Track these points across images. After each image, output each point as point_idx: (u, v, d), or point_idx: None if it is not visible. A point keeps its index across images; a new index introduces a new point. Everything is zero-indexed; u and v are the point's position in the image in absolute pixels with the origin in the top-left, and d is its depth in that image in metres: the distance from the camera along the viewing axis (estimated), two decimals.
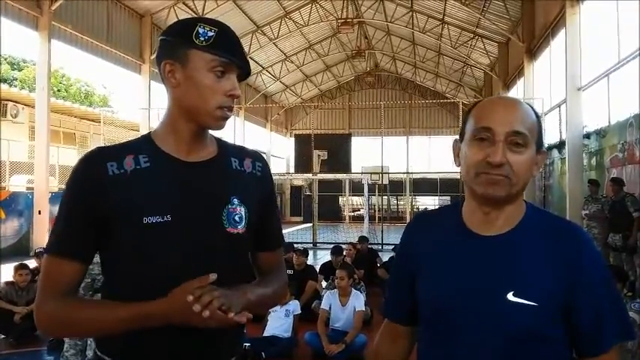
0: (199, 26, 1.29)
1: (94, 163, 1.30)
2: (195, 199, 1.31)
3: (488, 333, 1.17)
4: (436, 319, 1.26)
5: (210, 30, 1.28)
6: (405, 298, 1.36)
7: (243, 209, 1.37)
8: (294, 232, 19.66)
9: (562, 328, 1.19)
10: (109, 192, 1.27)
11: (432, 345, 1.28)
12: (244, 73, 1.35)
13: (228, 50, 1.28)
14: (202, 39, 1.27)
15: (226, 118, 1.32)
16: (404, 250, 1.39)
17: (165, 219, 1.27)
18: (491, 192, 1.18)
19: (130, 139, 1.42)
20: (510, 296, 1.16)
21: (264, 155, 1.34)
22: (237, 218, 1.35)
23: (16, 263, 6.38)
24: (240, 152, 1.46)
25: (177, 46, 1.30)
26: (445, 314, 1.23)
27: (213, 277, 1.19)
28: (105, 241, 1.30)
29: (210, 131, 1.40)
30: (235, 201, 1.36)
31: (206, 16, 17.34)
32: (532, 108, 1.25)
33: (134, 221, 1.26)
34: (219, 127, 1.34)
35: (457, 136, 1.30)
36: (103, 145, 1.42)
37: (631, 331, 1.24)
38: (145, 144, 1.35)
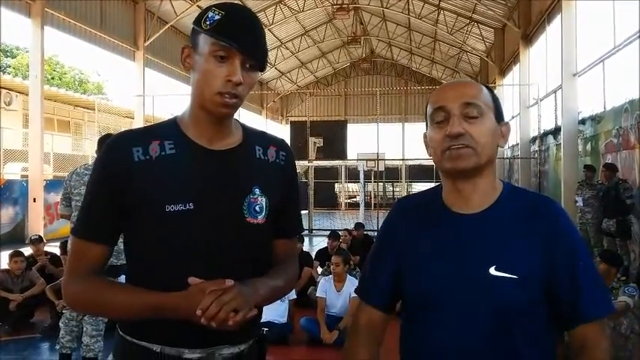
0: (210, 10, 1.28)
1: (120, 147, 1.31)
2: (218, 188, 1.31)
3: (474, 309, 1.20)
4: (422, 299, 1.27)
5: (218, 14, 1.27)
6: (386, 284, 1.36)
7: (264, 199, 1.36)
8: None
9: (546, 304, 1.22)
10: (133, 178, 1.28)
11: (418, 326, 1.29)
12: (252, 59, 1.28)
13: (229, 35, 1.24)
14: (208, 23, 1.26)
15: (227, 105, 1.28)
16: (387, 235, 1.40)
17: (188, 207, 1.27)
18: (458, 164, 1.23)
19: (124, 127, 1.41)
20: (492, 270, 1.19)
21: None
22: (257, 208, 1.35)
23: (11, 251, 6.36)
24: (265, 140, 1.45)
25: (194, 32, 1.31)
26: (431, 294, 1.25)
27: (229, 282, 1.19)
28: (128, 226, 1.32)
29: (236, 117, 1.40)
30: (257, 191, 1.35)
31: (199, 1, 17.29)
32: (485, 86, 1.31)
33: (156, 208, 1.27)
34: (221, 114, 1.30)
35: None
36: (130, 129, 1.41)
37: (608, 303, 1.26)
38: (171, 129, 1.35)
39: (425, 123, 1.33)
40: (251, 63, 1.28)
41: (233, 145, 1.37)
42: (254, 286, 1.27)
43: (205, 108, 1.30)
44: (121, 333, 1.35)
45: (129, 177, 1.28)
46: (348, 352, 1.39)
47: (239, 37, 1.25)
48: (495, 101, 1.29)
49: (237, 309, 1.16)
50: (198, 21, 1.29)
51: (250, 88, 1.32)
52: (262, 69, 1.34)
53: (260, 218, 1.35)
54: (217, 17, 1.26)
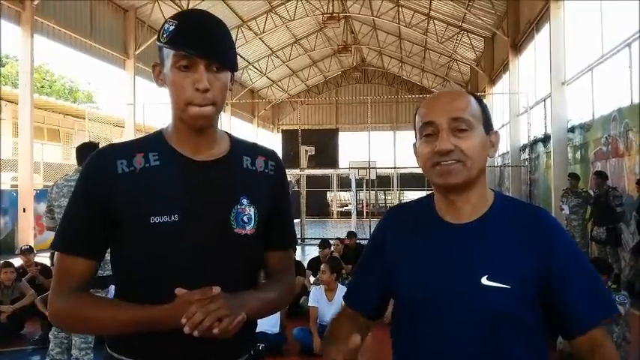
0: (166, 22, 1.27)
1: (104, 160, 1.30)
2: (204, 199, 1.29)
3: (465, 318, 1.20)
4: (413, 308, 1.27)
5: (172, 24, 1.25)
6: (372, 292, 1.36)
7: (252, 210, 1.34)
8: None
9: (538, 313, 1.22)
10: (117, 190, 1.26)
11: (409, 334, 1.29)
12: (215, 62, 1.24)
13: (185, 43, 1.22)
14: (165, 35, 1.25)
15: (202, 114, 1.25)
16: (378, 242, 1.40)
17: (173, 219, 1.26)
18: (449, 180, 1.23)
19: (114, 135, 1.41)
20: (484, 280, 1.19)
21: None
22: (245, 219, 1.33)
23: (1, 262, 6.29)
24: (253, 150, 1.43)
25: (159, 48, 1.30)
26: (422, 303, 1.25)
27: (216, 289, 1.17)
28: (113, 239, 1.30)
29: (222, 129, 1.39)
30: (244, 201, 1.33)
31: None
32: (474, 95, 1.29)
33: (141, 221, 1.25)
34: (198, 124, 1.27)
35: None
36: (115, 142, 1.41)
37: (612, 304, 1.28)
38: (156, 141, 1.34)
39: (415, 134, 1.32)
40: (216, 65, 1.25)
41: (219, 155, 1.35)
42: (242, 299, 1.25)
43: (183, 120, 1.29)
44: (109, 350, 1.33)
45: (112, 189, 1.26)
46: (331, 325, 1.41)
47: (195, 42, 1.22)
48: (484, 111, 1.28)
49: (222, 318, 1.15)
50: (159, 35, 1.27)
51: (224, 90, 1.28)
52: (233, 68, 1.30)
53: (249, 229, 1.33)
54: (172, 28, 1.25)
